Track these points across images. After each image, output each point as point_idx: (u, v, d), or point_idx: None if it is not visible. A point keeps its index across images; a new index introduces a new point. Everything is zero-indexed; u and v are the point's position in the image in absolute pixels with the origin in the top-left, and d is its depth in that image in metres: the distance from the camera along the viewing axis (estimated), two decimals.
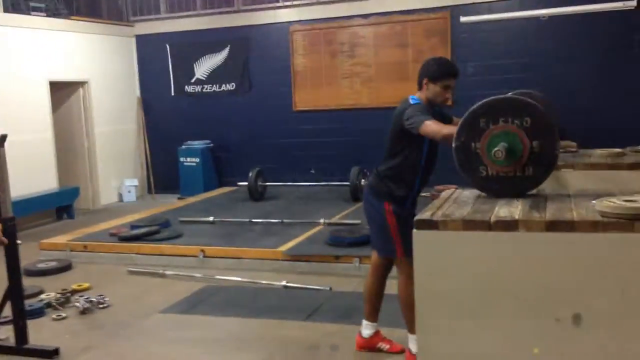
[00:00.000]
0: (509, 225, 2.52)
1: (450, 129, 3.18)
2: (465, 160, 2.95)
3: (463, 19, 8.78)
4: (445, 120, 3.64)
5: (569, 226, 2.44)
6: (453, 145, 2.96)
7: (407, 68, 9.20)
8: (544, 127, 2.84)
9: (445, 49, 8.91)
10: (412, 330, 3.62)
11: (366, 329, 3.95)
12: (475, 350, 2.61)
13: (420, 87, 3.63)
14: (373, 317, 3.93)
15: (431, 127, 3.34)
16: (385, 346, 3.90)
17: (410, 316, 3.58)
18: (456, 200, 3.01)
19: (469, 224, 2.58)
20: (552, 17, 8.38)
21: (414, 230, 2.68)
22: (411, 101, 3.59)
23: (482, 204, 2.84)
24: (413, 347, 3.63)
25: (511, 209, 2.69)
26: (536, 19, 8.47)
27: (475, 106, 2.94)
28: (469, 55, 8.89)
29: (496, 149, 2.82)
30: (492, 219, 2.56)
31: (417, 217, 2.71)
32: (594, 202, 2.66)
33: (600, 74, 8.36)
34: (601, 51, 8.34)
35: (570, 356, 2.47)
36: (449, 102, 3.75)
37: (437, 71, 3.57)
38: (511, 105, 2.92)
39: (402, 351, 3.86)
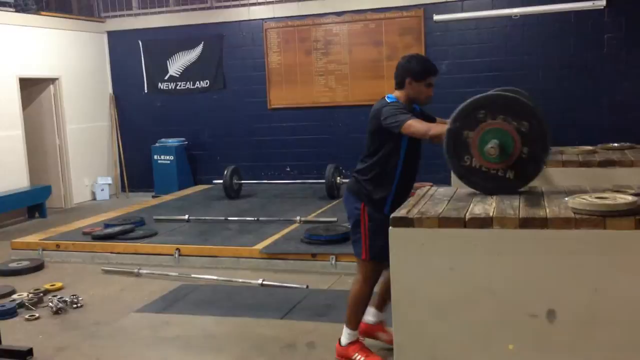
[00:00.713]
0: (483, 222, 2.56)
1: (439, 128, 3.12)
2: (452, 145, 2.96)
3: (436, 17, 8.87)
4: (429, 119, 3.59)
5: (542, 223, 2.48)
6: (447, 127, 2.95)
7: (382, 66, 9.25)
8: (539, 136, 2.84)
9: (419, 47, 8.96)
10: (347, 324, 3.72)
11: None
12: (451, 346, 2.65)
13: (401, 86, 3.56)
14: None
15: (416, 126, 3.27)
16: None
17: (350, 313, 3.70)
18: (431, 197, 3.05)
19: (445, 221, 2.61)
20: (523, 16, 8.53)
21: (390, 228, 2.71)
22: (388, 99, 3.54)
23: (457, 202, 2.88)
24: (343, 338, 3.74)
25: (485, 207, 2.72)
26: (508, 17, 8.60)
27: (478, 97, 2.94)
28: (442, 54, 8.95)
29: (490, 145, 2.83)
30: (467, 216, 2.60)
31: (393, 215, 2.73)
32: (566, 199, 2.71)
33: (571, 72, 8.50)
34: (572, 50, 8.47)
35: (545, 352, 2.52)
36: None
37: (421, 69, 3.53)
38: (514, 105, 2.91)
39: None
